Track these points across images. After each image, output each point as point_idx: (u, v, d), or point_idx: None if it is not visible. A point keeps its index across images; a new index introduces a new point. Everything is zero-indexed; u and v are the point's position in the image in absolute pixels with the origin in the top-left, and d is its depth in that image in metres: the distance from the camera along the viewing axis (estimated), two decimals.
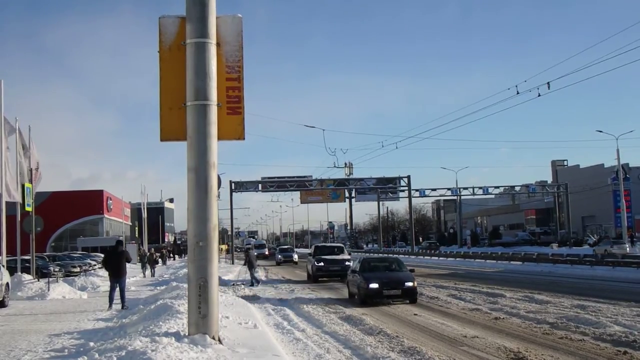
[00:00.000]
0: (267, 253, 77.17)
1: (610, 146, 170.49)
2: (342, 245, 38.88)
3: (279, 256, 57.17)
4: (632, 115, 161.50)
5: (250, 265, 30.72)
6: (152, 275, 39.77)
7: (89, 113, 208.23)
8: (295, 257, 56.72)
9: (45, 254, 49.06)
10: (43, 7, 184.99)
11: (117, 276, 19.24)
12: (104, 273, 37.88)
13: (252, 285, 28.47)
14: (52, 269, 32.49)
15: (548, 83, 31.99)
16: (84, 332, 13.49)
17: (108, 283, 19.79)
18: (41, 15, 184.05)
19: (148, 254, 42.69)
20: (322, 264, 31.16)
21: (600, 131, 69.96)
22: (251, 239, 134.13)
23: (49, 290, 22.90)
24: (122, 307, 18.53)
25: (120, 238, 40.30)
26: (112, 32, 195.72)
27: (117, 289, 19.19)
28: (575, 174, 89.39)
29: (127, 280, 20.92)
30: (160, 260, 61.63)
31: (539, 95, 32.61)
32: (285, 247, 70.20)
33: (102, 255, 54.10)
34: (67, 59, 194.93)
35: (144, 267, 40.98)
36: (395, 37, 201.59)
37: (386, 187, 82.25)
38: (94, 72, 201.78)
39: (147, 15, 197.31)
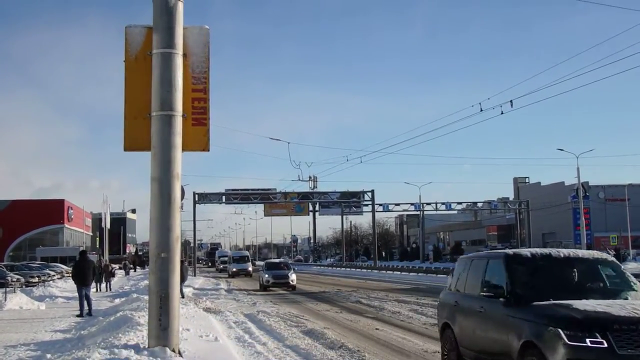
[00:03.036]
0: (250, 269, 59.66)
1: (571, 164, 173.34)
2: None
3: (266, 276, 37.24)
4: (592, 134, 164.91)
5: (181, 278, 30.20)
6: (108, 289, 35.63)
7: (52, 122, 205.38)
8: (293, 277, 37.18)
9: (3, 263, 48.17)
10: (8, 16, 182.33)
11: (83, 284, 20.32)
12: (62, 284, 37.64)
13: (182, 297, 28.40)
14: (9, 278, 31.86)
15: (511, 101, 32.22)
16: (41, 343, 13.26)
17: (66, 294, 20.10)
18: (6, 24, 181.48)
19: (103, 265, 37.92)
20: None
21: (561, 149, 71.51)
22: (225, 250, 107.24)
23: (5, 300, 22.49)
24: (89, 314, 19.63)
25: (82, 248, 39.67)
26: (79, 42, 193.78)
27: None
28: (537, 191, 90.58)
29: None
30: (123, 270, 60.67)
31: (502, 113, 32.82)
32: (276, 261, 48.03)
33: (62, 266, 53.59)
34: (32, 68, 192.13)
35: (99, 281, 34.73)
36: (361, 53, 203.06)
37: (350, 201, 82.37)
38: (60, 82, 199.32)
39: (115, 25, 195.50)
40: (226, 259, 71.42)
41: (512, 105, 32.16)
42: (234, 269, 59.39)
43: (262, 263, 48.78)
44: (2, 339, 13.97)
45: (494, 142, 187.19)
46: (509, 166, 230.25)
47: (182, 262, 32.33)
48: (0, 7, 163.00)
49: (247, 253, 71.52)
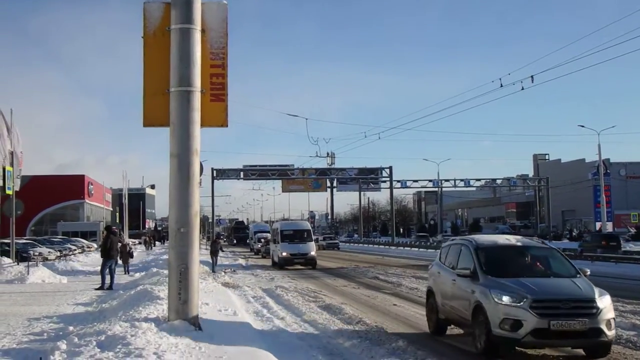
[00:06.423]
0: (313, 254, 35.29)
1: (592, 141, 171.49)
2: None
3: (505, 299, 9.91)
4: (614, 110, 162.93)
5: (215, 253, 32.05)
6: (126, 272, 27.53)
7: (74, 99, 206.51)
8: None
9: (25, 237, 48.75)
10: None
11: (110, 257, 20.85)
12: (84, 258, 38.09)
13: (213, 271, 29.23)
14: (32, 252, 32.27)
15: (532, 77, 32.04)
16: (63, 316, 13.47)
17: (88, 268, 20.39)
18: (28, 2, 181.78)
19: (120, 244, 26.74)
20: None
21: (582, 126, 71.08)
22: (262, 224, 78.95)
23: (28, 274, 22.80)
24: (110, 288, 19.86)
25: (105, 223, 39.96)
26: (100, 19, 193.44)
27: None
28: (557, 169, 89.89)
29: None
30: (144, 245, 61.09)
31: (523, 89, 32.68)
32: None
33: (83, 240, 54.22)
34: (54, 45, 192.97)
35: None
36: (380, 28, 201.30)
37: (368, 177, 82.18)
38: (82, 59, 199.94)
39: (136, 2, 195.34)
40: (266, 235, 49.79)
41: (532, 80, 31.98)
42: (284, 254, 34.84)
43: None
44: (25, 311, 14.20)
45: (514, 118, 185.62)
46: (528, 143, 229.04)
47: (217, 238, 33.00)
48: None
49: (307, 225, 40.65)
